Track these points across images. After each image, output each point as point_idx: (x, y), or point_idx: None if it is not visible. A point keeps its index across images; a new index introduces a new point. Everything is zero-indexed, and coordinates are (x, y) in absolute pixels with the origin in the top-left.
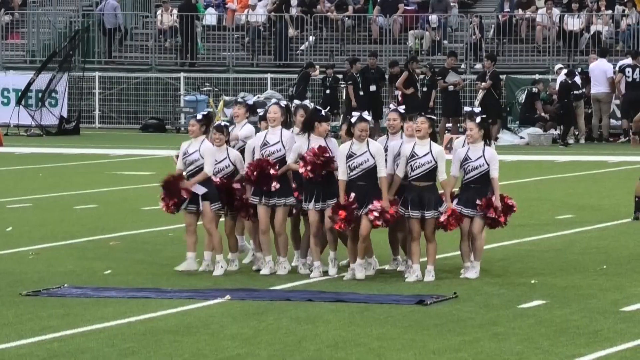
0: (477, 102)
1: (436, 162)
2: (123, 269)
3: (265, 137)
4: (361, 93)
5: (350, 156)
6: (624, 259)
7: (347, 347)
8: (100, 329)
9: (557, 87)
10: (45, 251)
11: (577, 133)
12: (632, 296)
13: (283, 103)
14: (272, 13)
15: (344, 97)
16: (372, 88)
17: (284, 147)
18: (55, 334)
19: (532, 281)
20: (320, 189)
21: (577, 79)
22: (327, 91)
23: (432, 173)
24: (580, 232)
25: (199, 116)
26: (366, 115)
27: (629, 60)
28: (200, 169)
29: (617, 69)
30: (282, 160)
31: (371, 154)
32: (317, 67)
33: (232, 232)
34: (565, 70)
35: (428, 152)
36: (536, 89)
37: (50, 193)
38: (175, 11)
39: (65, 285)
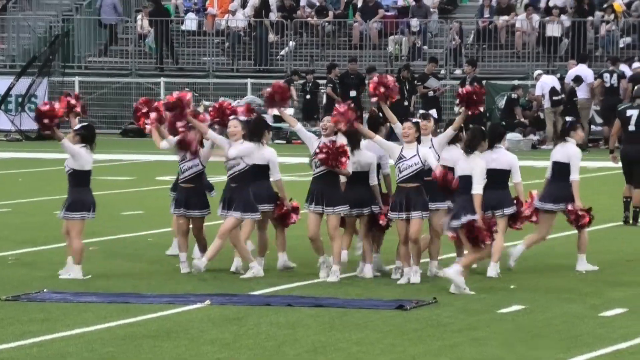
0: (457, 108)
1: (423, 164)
2: (103, 274)
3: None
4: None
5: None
6: (603, 264)
7: (327, 351)
8: (80, 333)
9: (536, 92)
10: (25, 256)
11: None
12: (611, 301)
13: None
14: (252, 18)
15: (324, 102)
16: (352, 94)
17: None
18: (35, 338)
19: (512, 286)
20: (322, 192)
21: (557, 84)
22: (308, 96)
23: (419, 175)
24: (560, 237)
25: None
26: None
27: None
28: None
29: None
30: (244, 173)
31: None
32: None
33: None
34: (566, 73)
35: (415, 154)
36: (515, 95)
37: (30, 198)
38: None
39: (45, 290)
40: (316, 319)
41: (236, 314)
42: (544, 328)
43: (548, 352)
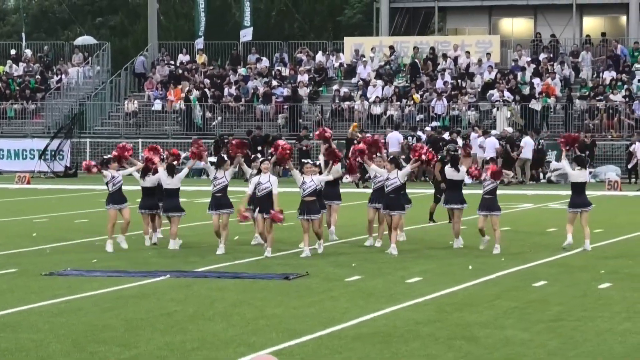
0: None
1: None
2: (106, 259)
3: None
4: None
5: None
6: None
7: (242, 305)
8: (90, 295)
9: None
10: (58, 248)
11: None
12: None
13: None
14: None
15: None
16: (259, 148)
17: None
18: (62, 298)
19: (353, 264)
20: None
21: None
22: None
23: (315, 192)
24: None
25: None
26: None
27: None
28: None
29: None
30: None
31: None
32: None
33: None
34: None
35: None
36: None
37: (63, 212)
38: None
39: (69, 268)
40: (236, 285)
41: (186, 282)
42: (374, 290)
43: (375, 305)
